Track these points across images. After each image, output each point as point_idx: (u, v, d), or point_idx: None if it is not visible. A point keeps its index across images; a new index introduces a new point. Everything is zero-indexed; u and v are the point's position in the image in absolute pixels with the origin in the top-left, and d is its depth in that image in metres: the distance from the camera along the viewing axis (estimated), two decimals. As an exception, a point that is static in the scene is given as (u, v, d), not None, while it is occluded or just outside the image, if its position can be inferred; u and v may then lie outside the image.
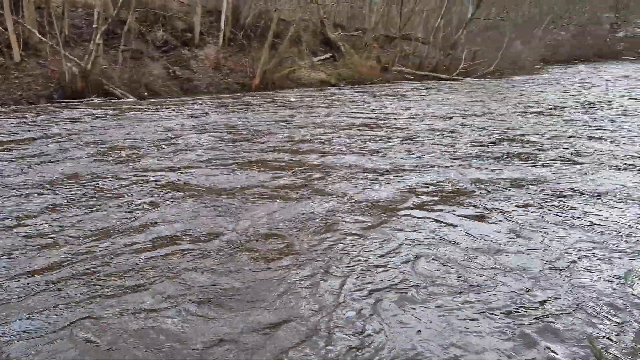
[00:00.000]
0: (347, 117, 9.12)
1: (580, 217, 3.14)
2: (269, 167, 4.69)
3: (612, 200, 3.46)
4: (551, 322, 1.91)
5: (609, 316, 1.95)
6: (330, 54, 22.28)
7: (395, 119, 8.73)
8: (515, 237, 2.83)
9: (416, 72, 22.47)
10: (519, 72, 25.13)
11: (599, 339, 1.73)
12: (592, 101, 11.11)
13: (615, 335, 1.81)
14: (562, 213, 3.23)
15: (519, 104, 11.14)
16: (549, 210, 3.30)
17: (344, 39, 22.84)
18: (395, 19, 22.95)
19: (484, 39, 25.58)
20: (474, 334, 1.83)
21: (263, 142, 6.19)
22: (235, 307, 2.00)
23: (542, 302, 2.08)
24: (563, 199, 3.51)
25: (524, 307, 2.03)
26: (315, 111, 10.11)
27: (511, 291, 2.16)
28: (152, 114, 9.48)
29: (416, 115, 9.20)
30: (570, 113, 8.98)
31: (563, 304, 2.05)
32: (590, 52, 41.46)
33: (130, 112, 9.75)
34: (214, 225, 2.98)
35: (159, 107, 11.22)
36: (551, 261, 2.48)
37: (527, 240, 2.78)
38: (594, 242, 2.75)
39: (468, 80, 21.25)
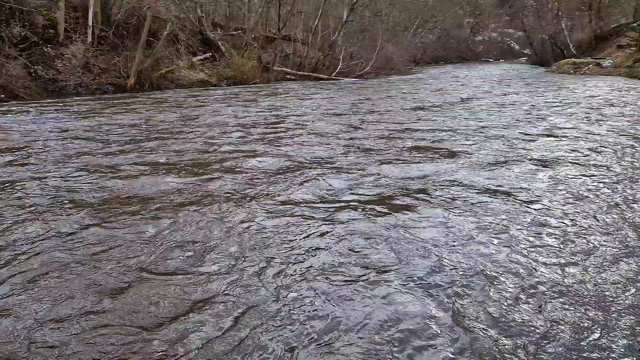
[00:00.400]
0: (241, 116, 11.32)
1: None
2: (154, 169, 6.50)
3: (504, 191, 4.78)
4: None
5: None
6: (210, 54, 24.19)
7: (296, 116, 11.07)
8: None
9: (297, 72, 25.64)
10: (392, 72, 30.04)
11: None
12: (465, 97, 15.01)
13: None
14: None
15: (404, 100, 14.45)
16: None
17: (223, 39, 24.98)
18: (275, 20, 25.94)
19: (359, 40, 30.07)
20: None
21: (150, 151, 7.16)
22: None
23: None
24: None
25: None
26: (204, 111, 12.12)
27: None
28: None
29: (312, 112, 11.67)
30: (446, 109, 12.23)
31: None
32: (455, 54, 50.16)
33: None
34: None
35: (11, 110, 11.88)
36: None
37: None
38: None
39: (347, 80, 25.08)
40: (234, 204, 4.24)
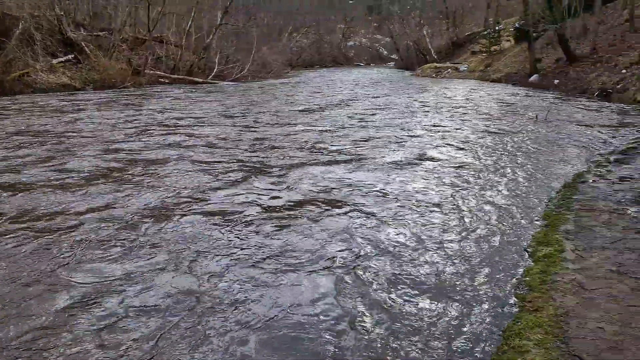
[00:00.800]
0: (129, 121, 13.20)
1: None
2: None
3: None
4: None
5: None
6: (73, 56, 24.77)
7: (193, 119, 13.22)
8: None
9: (171, 75, 27.34)
10: (269, 75, 33.23)
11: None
12: (346, 99, 18.39)
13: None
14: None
15: (290, 103, 17.25)
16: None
17: (87, 40, 25.72)
18: (144, 20, 27.41)
19: (235, 44, 32.80)
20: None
21: None
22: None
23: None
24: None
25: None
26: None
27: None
28: None
29: (206, 114, 13.88)
30: (331, 109, 15.27)
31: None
32: (329, 58, 55.75)
33: None
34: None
35: None
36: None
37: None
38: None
39: (225, 83, 27.51)
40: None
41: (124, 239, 4.25)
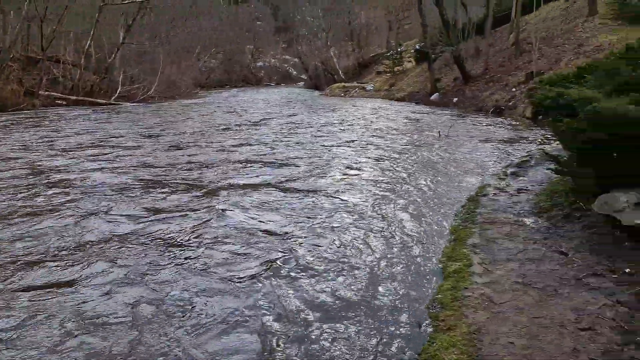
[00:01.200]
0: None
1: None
2: None
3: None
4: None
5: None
6: (-46, 76, 22.49)
7: (114, 138, 12.42)
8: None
9: (70, 96, 25.59)
10: (178, 96, 32.29)
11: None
12: (261, 118, 18.13)
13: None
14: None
15: (206, 122, 16.75)
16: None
17: (-29, 59, 23.46)
18: (38, 39, 25.54)
19: (140, 63, 31.54)
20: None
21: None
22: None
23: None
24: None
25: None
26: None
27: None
28: None
29: (121, 135, 13.17)
30: (249, 128, 15.06)
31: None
32: (239, 78, 55.50)
33: None
34: None
35: None
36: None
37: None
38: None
39: (130, 104, 26.27)
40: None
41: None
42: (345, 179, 7.81)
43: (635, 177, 5.15)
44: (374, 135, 12.96)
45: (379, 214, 5.78)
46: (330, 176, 7.96)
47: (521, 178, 7.72)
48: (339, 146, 10.97)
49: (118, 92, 26.77)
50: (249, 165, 8.91)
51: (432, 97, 24.59)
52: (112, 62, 27.68)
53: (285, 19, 53.64)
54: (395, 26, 41.88)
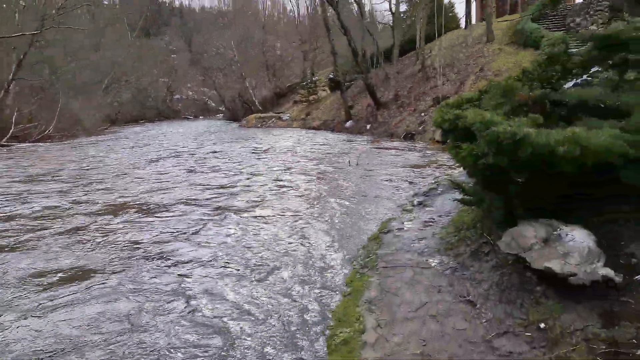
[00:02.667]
0: None
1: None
2: None
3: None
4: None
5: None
6: None
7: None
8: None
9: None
10: (84, 133, 29.84)
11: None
12: (181, 150, 16.68)
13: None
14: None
15: (105, 165, 15.06)
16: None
17: None
18: None
19: (38, 99, 28.87)
20: None
21: None
22: None
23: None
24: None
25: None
26: None
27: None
28: None
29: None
30: (184, 160, 13.68)
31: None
32: (154, 112, 53.03)
33: None
34: None
35: None
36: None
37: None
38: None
39: (26, 144, 23.71)
40: None
41: None
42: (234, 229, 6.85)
43: (542, 204, 4.63)
44: (280, 168, 12.13)
45: (266, 268, 4.84)
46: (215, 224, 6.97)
47: (428, 208, 7.13)
48: (235, 184, 10.02)
49: (10, 132, 24.16)
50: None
51: (347, 125, 24.37)
52: (2, 99, 25.06)
53: (200, 51, 52.30)
54: (310, 56, 41.99)
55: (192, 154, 16.16)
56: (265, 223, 6.61)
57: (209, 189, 9.33)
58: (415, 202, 7.58)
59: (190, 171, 11.90)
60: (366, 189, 8.88)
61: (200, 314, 3.84)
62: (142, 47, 52.97)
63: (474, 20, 28.13)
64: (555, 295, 3.37)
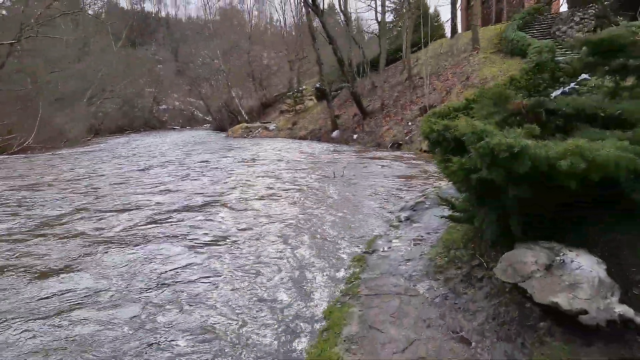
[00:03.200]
0: None
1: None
2: None
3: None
4: None
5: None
6: None
7: None
8: None
9: None
10: (67, 144, 29.05)
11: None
12: (172, 159, 16.07)
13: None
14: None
15: (99, 175, 14.43)
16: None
17: None
18: None
19: (19, 110, 28.06)
20: None
21: None
22: None
23: None
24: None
25: None
26: None
27: None
28: None
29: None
30: (172, 168, 13.06)
31: None
32: (140, 123, 52.21)
33: None
34: None
35: None
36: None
37: None
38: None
39: (4, 156, 22.93)
40: None
41: None
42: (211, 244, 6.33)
43: (540, 222, 4.20)
44: (265, 177, 11.63)
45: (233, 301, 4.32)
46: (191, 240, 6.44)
47: (416, 224, 6.67)
48: (216, 200, 9.48)
49: (-10, 143, 23.40)
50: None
51: (333, 134, 23.95)
52: (-20, 110, 24.28)
53: (186, 61, 51.67)
54: (297, 66, 41.65)
55: (172, 163, 15.62)
56: (236, 247, 6.09)
57: (177, 211, 8.79)
58: (402, 217, 7.13)
59: (166, 183, 11.36)
60: (351, 202, 8.41)
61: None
62: (127, 57, 52.24)
63: (459, 30, 28.00)
64: (563, 334, 2.90)
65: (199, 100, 52.25)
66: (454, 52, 22.87)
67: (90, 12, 56.92)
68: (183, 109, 60.95)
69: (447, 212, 5.32)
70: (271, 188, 10.07)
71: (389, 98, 23.35)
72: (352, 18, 38.47)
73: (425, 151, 16.78)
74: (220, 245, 6.07)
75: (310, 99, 34.32)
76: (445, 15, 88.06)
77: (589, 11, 18.80)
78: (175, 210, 8.17)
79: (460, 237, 5.54)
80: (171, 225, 7.13)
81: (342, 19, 27.68)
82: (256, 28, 54.38)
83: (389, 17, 36.09)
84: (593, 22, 18.82)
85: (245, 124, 34.48)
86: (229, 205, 8.49)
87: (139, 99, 55.50)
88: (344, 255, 5.50)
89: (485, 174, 3.78)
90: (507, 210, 4.20)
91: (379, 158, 15.45)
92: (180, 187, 10.60)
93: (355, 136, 22.21)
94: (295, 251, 5.61)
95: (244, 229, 6.81)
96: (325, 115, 26.89)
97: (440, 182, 9.92)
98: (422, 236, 6.01)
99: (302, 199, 8.77)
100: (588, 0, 18.58)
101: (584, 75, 18.17)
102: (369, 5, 51.84)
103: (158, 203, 8.88)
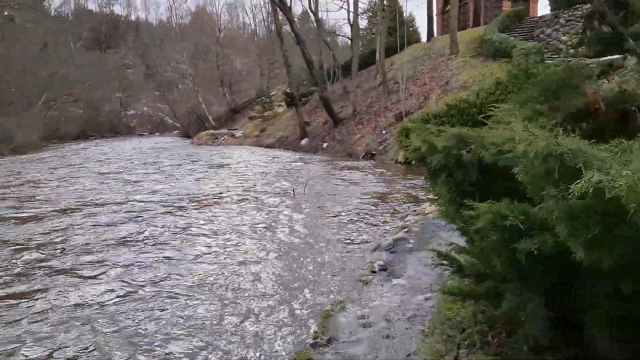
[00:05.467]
0: None
1: None
2: None
3: None
4: None
5: None
6: None
7: None
8: None
9: None
10: (18, 151, 25.94)
11: None
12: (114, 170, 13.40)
13: None
14: None
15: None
16: None
17: None
18: None
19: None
20: None
21: None
22: None
23: None
24: None
25: None
26: None
27: None
28: None
29: None
30: (134, 175, 10.45)
31: None
32: (106, 128, 48.72)
33: None
34: None
35: None
36: None
37: None
38: None
39: None
40: None
41: None
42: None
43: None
44: (207, 202, 9.24)
45: None
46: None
47: (397, 280, 4.42)
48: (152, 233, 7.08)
49: None
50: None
51: (302, 143, 21.66)
52: None
53: (154, 65, 48.53)
54: (267, 70, 39.26)
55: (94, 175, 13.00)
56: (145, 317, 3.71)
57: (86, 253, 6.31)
58: (376, 266, 4.86)
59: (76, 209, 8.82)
60: (307, 237, 6.10)
61: None
62: (92, 61, 48.97)
63: (435, 34, 26.13)
64: None
65: (168, 106, 49.23)
66: (431, 56, 20.90)
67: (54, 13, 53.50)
68: (152, 115, 57.65)
69: (438, 259, 3.09)
70: (211, 221, 7.65)
71: (361, 104, 21.21)
72: (324, 19, 36.29)
73: (401, 163, 14.64)
74: None
75: (280, 105, 31.98)
76: (420, 21, 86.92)
77: (575, 13, 17.02)
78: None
79: (470, 317, 3.33)
80: None
81: (312, 18, 25.42)
82: (226, 32, 51.68)
83: (363, 23, 34.02)
84: (580, 23, 17.07)
85: (212, 131, 31.92)
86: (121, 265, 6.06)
87: (106, 103, 52.20)
88: (282, 352, 3.15)
89: (582, 254, 1.51)
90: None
91: (350, 169, 13.25)
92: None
93: (325, 145, 19.97)
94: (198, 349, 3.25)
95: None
96: (294, 122, 24.57)
97: (422, 205, 7.71)
98: (406, 307, 3.74)
99: (239, 236, 6.40)
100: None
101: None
102: (341, 7, 49.69)
103: None
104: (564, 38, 17.08)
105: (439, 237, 5.25)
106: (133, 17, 74.89)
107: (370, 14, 31.13)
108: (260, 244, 5.93)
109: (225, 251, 5.63)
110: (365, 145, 17.54)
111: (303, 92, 25.22)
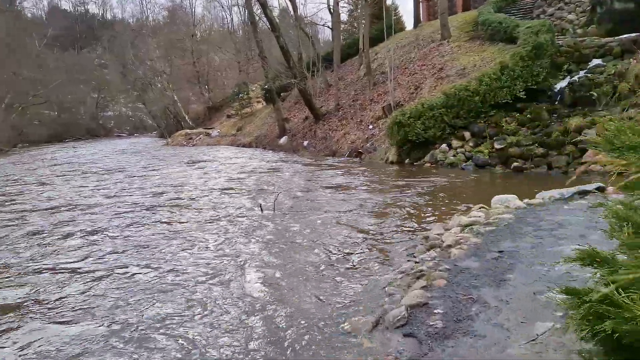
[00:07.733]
0: None
1: None
2: None
3: None
4: None
5: None
6: None
7: None
8: None
9: None
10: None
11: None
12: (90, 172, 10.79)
13: None
14: None
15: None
16: None
17: None
18: None
19: None
20: None
21: None
22: None
23: None
24: None
25: None
26: None
27: None
28: None
29: None
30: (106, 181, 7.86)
31: None
32: (83, 130, 45.51)
33: None
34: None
35: None
36: None
37: None
38: None
39: None
40: None
41: None
42: None
43: None
44: (144, 235, 6.75)
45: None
46: None
47: None
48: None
49: None
50: None
51: (281, 141, 19.17)
52: None
53: (130, 64, 45.38)
54: (245, 66, 36.53)
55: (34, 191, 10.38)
56: None
57: None
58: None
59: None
60: (272, 299, 3.64)
61: None
62: (63, 61, 45.73)
63: (422, 20, 23.73)
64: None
65: (150, 107, 46.14)
66: (420, 43, 18.51)
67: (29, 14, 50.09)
68: (131, 116, 54.49)
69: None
70: (144, 264, 5.15)
71: (345, 97, 18.76)
72: (303, 9, 33.52)
73: (392, 162, 12.25)
74: None
75: (259, 102, 29.39)
76: (402, 10, 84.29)
77: (581, -12, 14.76)
78: None
79: None
80: None
81: (289, 5, 22.79)
82: (204, 27, 48.61)
83: (344, 17, 31.40)
84: (586, 1, 14.83)
85: (187, 131, 29.22)
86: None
87: (80, 105, 48.97)
88: None
89: None
90: None
91: (335, 171, 10.79)
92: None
93: (305, 143, 17.51)
94: None
95: None
96: (273, 120, 22.03)
97: (432, 226, 5.32)
98: None
99: (166, 299, 3.93)
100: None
101: (596, 61, 12.87)
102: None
103: None
104: (570, 17, 14.82)
105: (484, 300, 2.87)
106: (109, 16, 71.17)
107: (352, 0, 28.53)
108: (197, 313, 3.46)
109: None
110: (351, 143, 15.15)
111: (283, 86, 22.65)
